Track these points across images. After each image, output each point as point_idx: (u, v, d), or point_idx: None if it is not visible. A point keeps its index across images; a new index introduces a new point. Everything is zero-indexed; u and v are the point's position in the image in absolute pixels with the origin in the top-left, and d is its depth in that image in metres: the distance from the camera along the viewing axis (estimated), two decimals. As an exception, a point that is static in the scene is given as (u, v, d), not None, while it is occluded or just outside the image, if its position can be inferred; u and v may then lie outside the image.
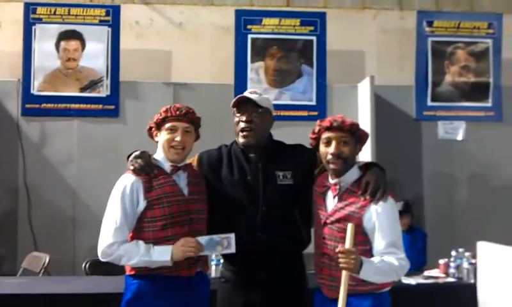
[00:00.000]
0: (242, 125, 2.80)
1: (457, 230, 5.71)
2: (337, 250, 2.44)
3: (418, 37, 6.02)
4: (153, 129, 2.81)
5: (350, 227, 2.47)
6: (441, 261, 4.27)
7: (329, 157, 2.61)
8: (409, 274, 4.17)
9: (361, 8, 6.28)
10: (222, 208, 2.81)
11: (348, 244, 2.44)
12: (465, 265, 4.11)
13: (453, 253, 4.25)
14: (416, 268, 4.30)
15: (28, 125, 5.59)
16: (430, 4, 6.31)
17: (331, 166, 2.62)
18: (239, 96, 2.86)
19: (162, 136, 2.75)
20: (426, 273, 4.24)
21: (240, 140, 2.83)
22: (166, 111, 2.74)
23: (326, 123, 2.64)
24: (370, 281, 2.51)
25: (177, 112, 2.73)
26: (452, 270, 4.17)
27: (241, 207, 2.78)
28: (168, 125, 2.73)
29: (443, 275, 4.17)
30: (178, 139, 2.72)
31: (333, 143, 2.61)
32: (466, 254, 4.16)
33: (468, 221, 5.77)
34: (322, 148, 2.67)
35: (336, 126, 2.61)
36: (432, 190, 5.91)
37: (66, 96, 5.62)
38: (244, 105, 2.82)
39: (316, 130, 2.69)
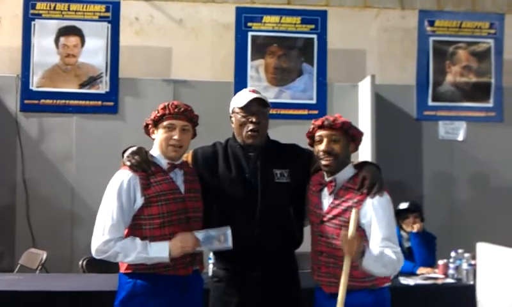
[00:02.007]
0: (251, 126, 2.78)
1: (457, 231, 5.69)
2: (341, 236, 2.46)
3: (420, 36, 6.00)
4: (150, 126, 2.78)
5: (354, 212, 2.49)
6: (441, 262, 4.25)
7: (321, 153, 2.67)
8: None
9: (362, 7, 6.25)
10: (219, 204, 2.81)
11: (351, 230, 2.45)
12: (464, 266, 4.08)
13: (452, 254, 4.23)
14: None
15: (27, 120, 5.57)
16: (432, 3, 6.27)
17: (323, 162, 2.68)
18: (248, 96, 2.81)
19: (160, 134, 2.72)
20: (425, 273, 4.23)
21: (248, 140, 2.80)
22: (164, 109, 2.71)
23: (318, 121, 2.72)
24: (370, 269, 2.50)
25: (175, 110, 2.70)
26: (451, 271, 4.14)
27: (239, 204, 2.77)
28: (165, 123, 2.70)
29: (442, 276, 4.15)
30: (176, 137, 2.69)
31: (324, 141, 2.67)
32: (466, 255, 4.14)
33: (468, 222, 5.76)
34: (315, 146, 2.73)
35: (327, 125, 2.68)
36: (432, 190, 5.90)
37: (65, 93, 5.60)
38: (252, 105, 2.80)
39: (310, 129, 2.76)
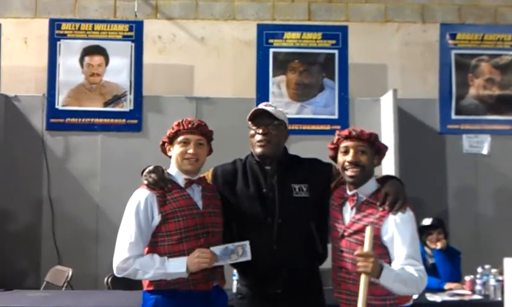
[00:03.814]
0: (258, 137, 2.81)
1: (483, 246, 5.60)
2: (355, 253, 2.41)
3: (442, 50, 5.96)
4: (166, 144, 2.83)
5: (369, 229, 2.44)
6: (467, 278, 4.19)
7: (346, 164, 2.62)
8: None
9: (383, 21, 6.25)
10: (238, 221, 2.81)
11: (367, 246, 2.41)
12: (492, 282, 4.02)
13: (479, 270, 4.17)
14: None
15: (53, 139, 5.66)
16: (453, 16, 6.25)
17: (348, 173, 2.63)
18: (255, 108, 2.87)
19: (176, 150, 2.77)
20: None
21: (257, 150, 2.82)
22: (178, 125, 2.77)
23: (345, 132, 2.68)
24: (389, 287, 2.44)
25: (189, 125, 2.76)
26: (478, 287, 4.08)
27: (257, 220, 2.77)
28: (180, 138, 2.76)
29: (469, 292, 4.09)
30: (191, 151, 2.73)
31: (351, 151, 2.63)
32: (493, 270, 4.08)
33: (495, 237, 5.65)
34: (340, 157, 2.69)
35: (354, 135, 2.64)
36: (457, 205, 5.81)
37: (90, 111, 5.68)
38: (260, 117, 2.83)
39: (335, 140, 2.73)
